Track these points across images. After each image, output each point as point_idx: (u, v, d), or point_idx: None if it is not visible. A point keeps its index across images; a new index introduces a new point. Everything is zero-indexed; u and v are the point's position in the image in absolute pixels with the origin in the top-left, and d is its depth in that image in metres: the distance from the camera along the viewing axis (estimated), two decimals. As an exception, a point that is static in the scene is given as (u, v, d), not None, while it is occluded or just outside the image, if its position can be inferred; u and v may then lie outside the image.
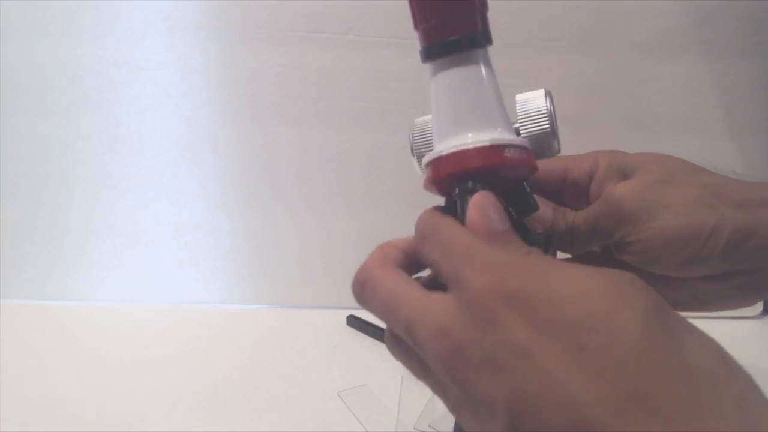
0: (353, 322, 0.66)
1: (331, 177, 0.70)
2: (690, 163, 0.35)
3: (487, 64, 0.28)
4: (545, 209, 0.34)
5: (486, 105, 0.28)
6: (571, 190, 0.37)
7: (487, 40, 0.28)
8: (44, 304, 0.74)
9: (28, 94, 0.70)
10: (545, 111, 0.32)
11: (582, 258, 0.37)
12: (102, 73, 0.69)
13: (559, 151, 0.32)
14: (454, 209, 0.28)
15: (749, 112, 0.67)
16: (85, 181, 0.72)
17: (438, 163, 0.28)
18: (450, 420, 0.46)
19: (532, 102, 0.32)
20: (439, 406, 0.49)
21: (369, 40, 0.65)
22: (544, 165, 0.36)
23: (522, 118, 0.32)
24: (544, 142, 0.31)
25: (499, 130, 0.28)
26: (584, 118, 0.67)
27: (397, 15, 0.65)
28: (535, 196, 0.31)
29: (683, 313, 0.23)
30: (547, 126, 0.31)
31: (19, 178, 0.73)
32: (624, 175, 0.34)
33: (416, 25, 0.29)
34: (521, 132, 0.31)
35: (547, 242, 0.30)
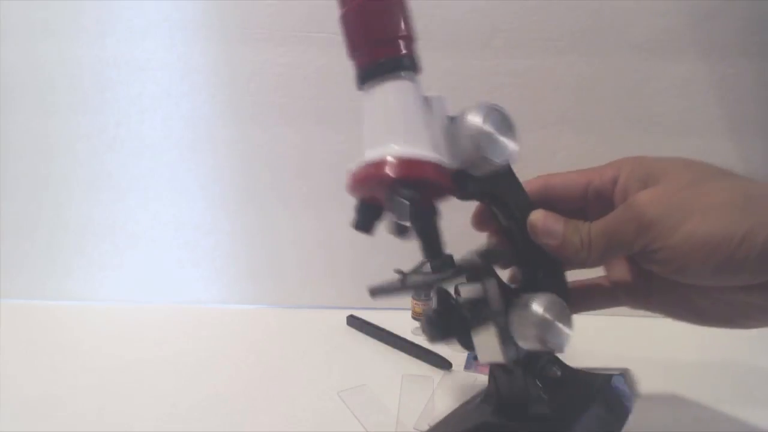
0: (353, 322, 0.66)
1: (330, 177, 0.70)
2: (718, 167, 0.32)
3: (403, 87, 0.31)
4: (554, 224, 0.32)
5: (387, 122, 0.31)
6: (595, 201, 0.35)
7: (394, 68, 0.31)
8: (44, 304, 0.74)
9: (28, 93, 0.70)
10: (468, 135, 0.31)
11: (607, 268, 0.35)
12: (102, 73, 0.69)
13: (503, 165, 0.31)
14: None
15: (749, 112, 0.67)
16: (85, 181, 0.72)
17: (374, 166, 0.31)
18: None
19: (461, 123, 0.32)
20: (439, 406, 0.49)
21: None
22: (563, 179, 0.36)
23: (454, 137, 0.32)
24: (476, 160, 0.31)
25: (404, 143, 0.30)
26: (584, 118, 0.67)
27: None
28: (542, 210, 0.33)
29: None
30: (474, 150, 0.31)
31: (19, 178, 0.73)
32: (649, 180, 0.32)
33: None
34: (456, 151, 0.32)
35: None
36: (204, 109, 0.70)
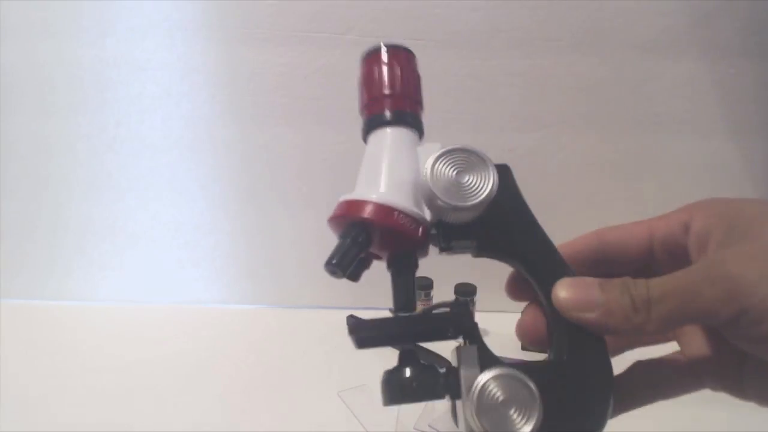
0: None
1: (330, 177, 0.70)
2: None
3: (398, 138, 0.32)
4: (587, 291, 0.26)
5: (374, 170, 0.32)
6: (665, 257, 0.29)
7: (398, 121, 0.32)
8: (44, 304, 0.74)
9: (28, 94, 0.70)
10: (426, 188, 0.28)
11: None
12: (102, 73, 0.69)
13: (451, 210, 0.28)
14: None
15: (749, 112, 0.67)
16: (85, 181, 0.72)
17: (337, 207, 0.32)
18: (449, 421, 0.46)
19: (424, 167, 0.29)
20: (439, 406, 0.49)
21: (369, 40, 0.65)
22: (620, 232, 0.30)
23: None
24: (445, 211, 0.29)
25: (381, 190, 0.30)
26: (584, 118, 0.67)
27: (397, 15, 0.65)
28: (567, 278, 0.28)
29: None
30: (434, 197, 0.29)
31: (19, 178, 0.73)
32: (734, 232, 0.26)
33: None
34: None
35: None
36: (204, 109, 0.70)
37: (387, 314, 0.32)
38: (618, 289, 0.25)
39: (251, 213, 0.73)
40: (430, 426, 0.45)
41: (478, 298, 0.64)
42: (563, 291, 0.27)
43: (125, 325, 0.69)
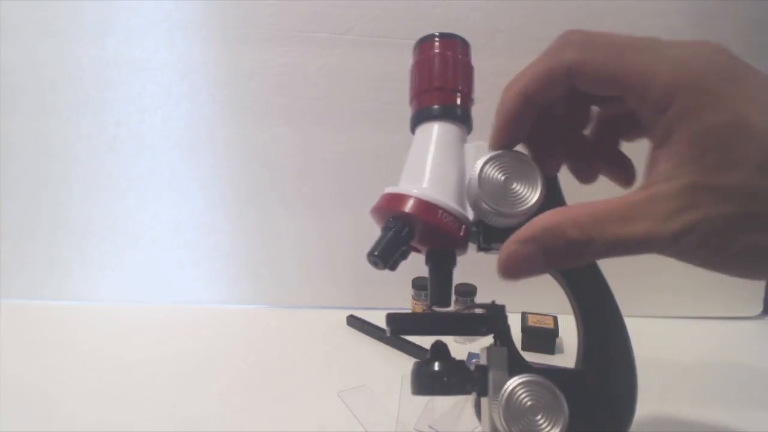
0: (353, 322, 0.66)
1: (330, 177, 0.70)
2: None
3: (445, 134, 0.32)
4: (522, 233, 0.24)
5: (420, 165, 0.31)
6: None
7: (447, 115, 0.32)
8: (44, 304, 0.74)
9: (28, 93, 0.70)
10: (473, 189, 0.28)
11: None
12: (102, 73, 0.69)
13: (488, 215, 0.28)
14: None
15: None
16: (85, 181, 0.72)
17: (382, 198, 0.32)
18: (449, 421, 0.47)
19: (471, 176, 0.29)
20: (439, 406, 0.49)
21: (369, 40, 0.65)
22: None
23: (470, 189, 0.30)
24: (488, 214, 0.29)
25: (425, 186, 0.31)
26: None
27: (396, 15, 0.65)
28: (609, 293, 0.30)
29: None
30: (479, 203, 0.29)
31: (19, 178, 0.73)
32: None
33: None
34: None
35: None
36: (204, 109, 0.70)
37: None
38: (566, 220, 0.23)
39: (251, 213, 0.73)
40: (430, 426, 0.45)
41: (478, 299, 0.64)
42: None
43: (125, 325, 0.69)
